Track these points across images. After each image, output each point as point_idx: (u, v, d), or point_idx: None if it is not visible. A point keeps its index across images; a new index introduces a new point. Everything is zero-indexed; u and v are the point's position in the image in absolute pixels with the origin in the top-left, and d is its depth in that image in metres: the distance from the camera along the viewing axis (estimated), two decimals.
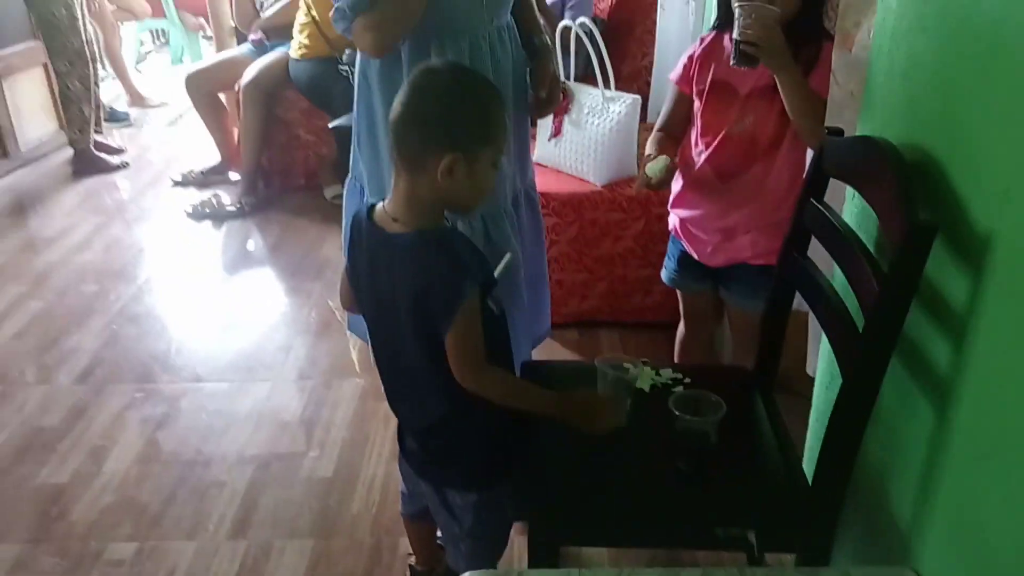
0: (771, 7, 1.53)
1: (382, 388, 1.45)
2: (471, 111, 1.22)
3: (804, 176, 1.69)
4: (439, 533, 1.68)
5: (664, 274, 2.00)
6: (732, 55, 1.58)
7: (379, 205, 1.29)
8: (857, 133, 1.37)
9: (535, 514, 1.30)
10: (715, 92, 1.73)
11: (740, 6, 1.52)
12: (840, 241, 1.26)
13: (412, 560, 1.74)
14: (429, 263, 1.22)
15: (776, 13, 1.53)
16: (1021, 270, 0.94)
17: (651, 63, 3.09)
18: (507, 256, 1.46)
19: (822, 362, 1.53)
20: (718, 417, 1.27)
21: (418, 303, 1.23)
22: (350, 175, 1.88)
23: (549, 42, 1.83)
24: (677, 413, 1.27)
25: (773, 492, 1.28)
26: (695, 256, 1.87)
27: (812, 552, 1.24)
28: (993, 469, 1.00)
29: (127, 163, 4.26)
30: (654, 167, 1.74)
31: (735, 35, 1.54)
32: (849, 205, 1.41)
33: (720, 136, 1.73)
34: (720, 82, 1.71)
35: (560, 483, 1.32)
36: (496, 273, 1.33)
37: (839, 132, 1.36)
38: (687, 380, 1.49)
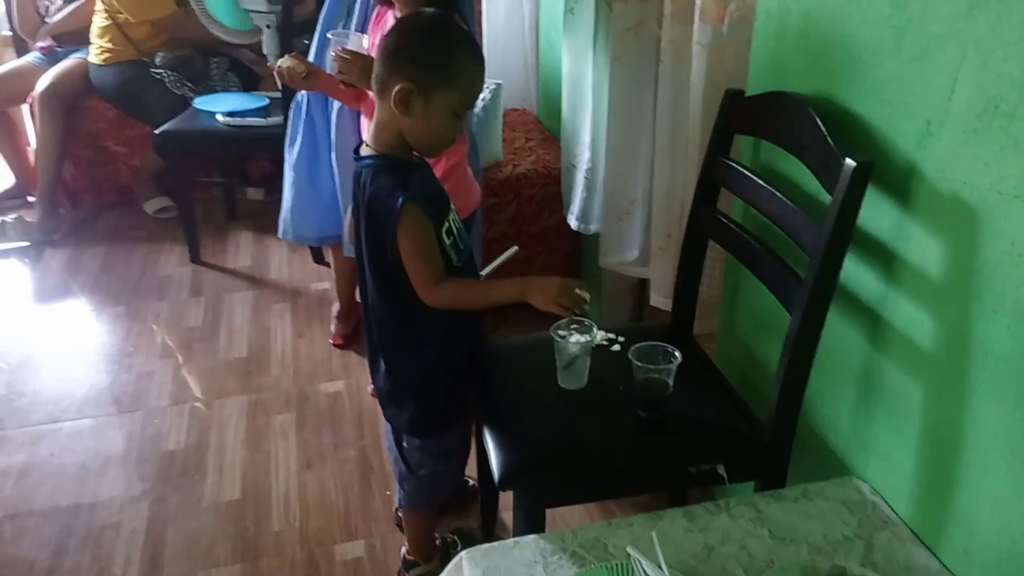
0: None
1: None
2: (436, 50, 1.28)
3: None
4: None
5: None
6: None
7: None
8: (749, 93, 1.51)
9: (518, 482, 1.31)
10: None
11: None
12: (760, 191, 1.37)
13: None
14: (378, 182, 1.30)
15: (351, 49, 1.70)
16: (942, 198, 1.08)
17: None
18: (513, 248, 1.56)
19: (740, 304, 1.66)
20: (675, 365, 1.34)
21: (370, 225, 1.32)
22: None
23: None
24: (639, 364, 1.33)
25: (735, 427, 1.38)
26: None
27: (771, 478, 1.35)
28: (926, 376, 1.15)
29: None
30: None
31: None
32: (746, 159, 1.54)
33: None
34: None
35: (537, 448, 1.34)
36: (498, 263, 1.51)
37: (740, 92, 1.48)
38: (621, 339, 1.56)
